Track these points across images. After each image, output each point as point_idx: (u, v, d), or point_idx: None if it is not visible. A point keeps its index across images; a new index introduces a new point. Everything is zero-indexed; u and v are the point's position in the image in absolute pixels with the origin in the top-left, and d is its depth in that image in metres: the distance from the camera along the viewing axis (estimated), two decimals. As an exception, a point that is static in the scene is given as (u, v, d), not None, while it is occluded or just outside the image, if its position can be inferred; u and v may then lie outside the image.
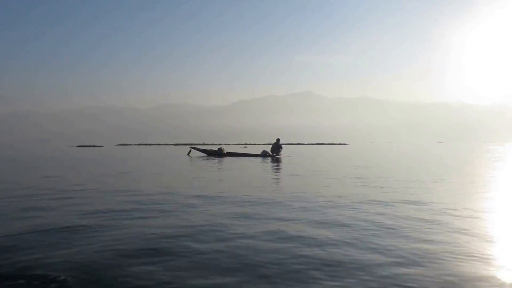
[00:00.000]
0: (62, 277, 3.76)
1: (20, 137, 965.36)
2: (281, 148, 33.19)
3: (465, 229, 5.81)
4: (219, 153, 34.21)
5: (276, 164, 23.17)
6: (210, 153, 35.38)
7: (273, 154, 32.56)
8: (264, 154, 32.25)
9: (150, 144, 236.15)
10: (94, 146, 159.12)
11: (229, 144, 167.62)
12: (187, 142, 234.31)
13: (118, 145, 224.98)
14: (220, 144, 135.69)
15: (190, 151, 37.63)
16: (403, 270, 4.07)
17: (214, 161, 26.84)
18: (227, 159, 28.89)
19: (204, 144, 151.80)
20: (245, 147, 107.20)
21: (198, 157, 34.03)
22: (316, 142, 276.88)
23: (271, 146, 33.35)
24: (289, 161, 26.04)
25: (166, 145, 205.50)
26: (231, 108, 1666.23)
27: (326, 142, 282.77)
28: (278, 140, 32.30)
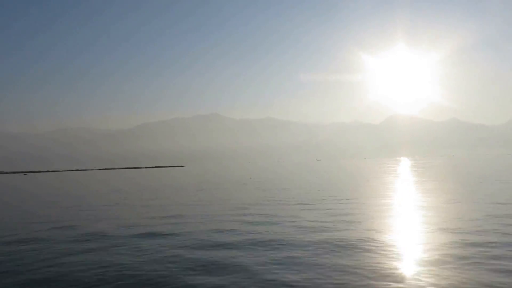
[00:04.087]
0: None
1: None
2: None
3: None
4: None
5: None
6: None
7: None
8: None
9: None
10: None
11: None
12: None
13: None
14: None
15: None
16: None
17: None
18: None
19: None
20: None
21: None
22: (153, 166, 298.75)
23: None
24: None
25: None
26: (132, 131, 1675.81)
27: (164, 165, 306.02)
28: None
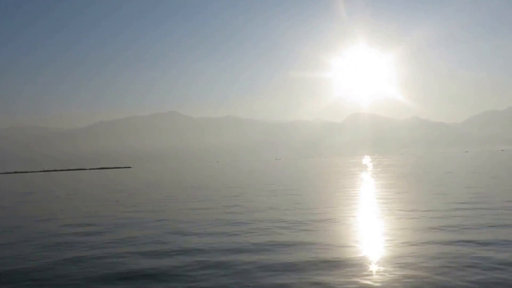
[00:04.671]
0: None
1: None
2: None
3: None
4: None
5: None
6: None
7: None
8: None
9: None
10: None
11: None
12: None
13: None
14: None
15: None
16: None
17: None
18: None
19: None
20: None
21: None
22: (99, 167, 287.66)
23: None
24: None
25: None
26: (88, 130, 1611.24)
27: (110, 166, 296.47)
28: None
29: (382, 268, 7.40)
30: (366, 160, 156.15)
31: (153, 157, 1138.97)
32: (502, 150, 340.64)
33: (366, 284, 6.58)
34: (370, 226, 11.57)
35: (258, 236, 10.87)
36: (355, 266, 7.62)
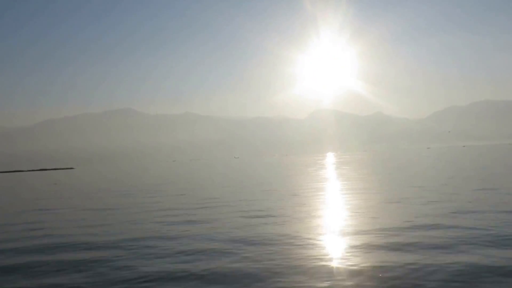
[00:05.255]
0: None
1: None
2: None
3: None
4: None
5: None
6: None
7: None
8: None
9: None
10: None
11: None
12: None
13: None
14: None
15: None
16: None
17: None
18: None
19: None
20: None
21: None
22: (39, 168, 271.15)
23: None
24: None
25: None
26: (34, 129, 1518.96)
27: (51, 168, 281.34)
28: None
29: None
30: (328, 157, 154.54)
31: (105, 157, 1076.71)
32: (464, 146, 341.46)
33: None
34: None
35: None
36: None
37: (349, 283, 5.92)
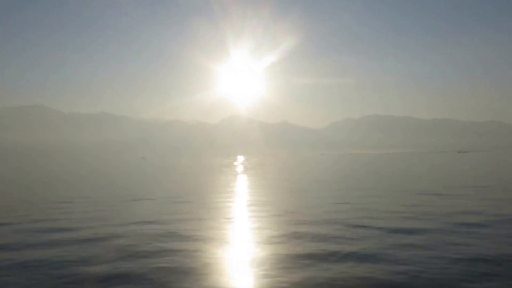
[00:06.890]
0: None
1: None
2: None
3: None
4: None
5: None
6: None
7: None
8: None
9: None
10: None
11: None
12: None
13: None
14: None
15: None
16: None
17: None
18: None
19: None
20: None
21: None
22: None
23: None
24: None
25: None
26: None
27: None
28: None
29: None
30: (238, 160, 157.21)
31: (13, 154, 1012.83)
32: (351, 154, 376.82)
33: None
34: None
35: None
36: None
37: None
